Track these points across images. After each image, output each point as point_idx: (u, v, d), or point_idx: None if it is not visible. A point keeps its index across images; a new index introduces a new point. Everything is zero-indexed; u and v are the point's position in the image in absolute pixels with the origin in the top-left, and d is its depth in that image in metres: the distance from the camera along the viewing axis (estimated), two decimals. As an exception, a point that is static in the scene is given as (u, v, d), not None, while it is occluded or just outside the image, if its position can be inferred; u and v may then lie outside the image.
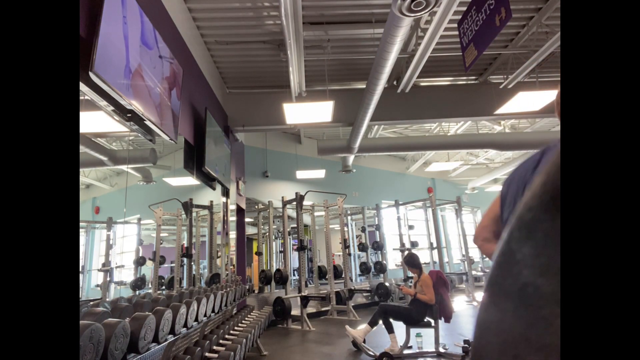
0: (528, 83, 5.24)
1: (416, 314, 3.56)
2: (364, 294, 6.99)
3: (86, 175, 2.92)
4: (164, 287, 3.82)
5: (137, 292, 3.34)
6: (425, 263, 6.46)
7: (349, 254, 7.20)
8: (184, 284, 3.79)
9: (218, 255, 4.64)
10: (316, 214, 7.44)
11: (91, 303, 1.95)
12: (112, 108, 2.08)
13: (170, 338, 1.79)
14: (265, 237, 7.42)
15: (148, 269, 3.65)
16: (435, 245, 6.92)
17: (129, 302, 1.77)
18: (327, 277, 6.37)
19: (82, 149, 2.29)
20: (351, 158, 7.41)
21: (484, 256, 0.84)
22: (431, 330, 3.59)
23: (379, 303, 4.67)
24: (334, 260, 7.60)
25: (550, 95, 4.83)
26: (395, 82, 5.43)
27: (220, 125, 4.61)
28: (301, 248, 5.64)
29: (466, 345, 3.37)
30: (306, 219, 7.72)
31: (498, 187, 12.49)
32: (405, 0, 2.60)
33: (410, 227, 7.98)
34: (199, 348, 2.19)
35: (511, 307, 0.24)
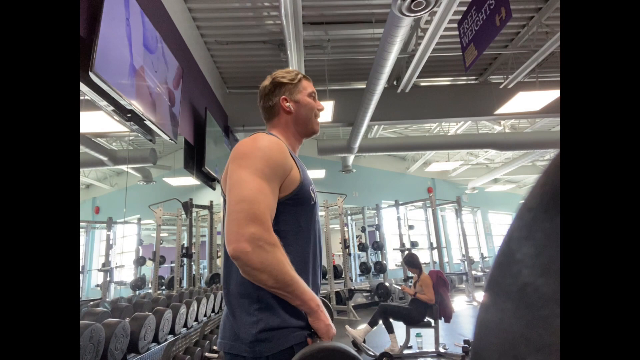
0: (528, 83, 5.24)
1: (416, 314, 3.56)
2: (364, 294, 6.99)
3: (86, 175, 2.92)
4: (164, 287, 3.82)
5: (137, 292, 3.34)
6: (425, 263, 6.47)
7: (349, 254, 7.19)
8: (184, 284, 3.79)
9: (218, 255, 4.63)
10: (316, 214, 7.42)
11: (91, 303, 1.95)
12: (112, 108, 2.08)
13: (170, 338, 1.79)
14: (265, 237, 7.40)
15: (148, 269, 3.65)
16: (435, 245, 6.92)
17: (129, 302, 1.77)
18: (327, 277, 6.38)
19: (82, 149, 2.29)
20: (351, 158, 7.41)
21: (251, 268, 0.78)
22: (431, 330, 3.59)
23: (379, 303, 4.66)
24: (334, 260, 7.60)
25: (550, 95, 4.84)
26: (395, 82, 5.43)
27: (220, 125, 4.61)
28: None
29: (466, 345, 3.37)
30: (306, 219, 7.70)
31: (498, 187, 12.51)
32: (405, 0, 2.60)
33: (410, 227, 7.98)
34: (199, 348, 2.19)
35: (511, 307, 0.24)
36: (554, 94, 4.77)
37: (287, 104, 1.04)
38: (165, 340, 1.72)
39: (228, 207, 0.81)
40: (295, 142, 1.07)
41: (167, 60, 2.76)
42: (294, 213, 0.91)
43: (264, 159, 0.85)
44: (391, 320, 3.61)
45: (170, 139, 2.79)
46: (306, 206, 0.94)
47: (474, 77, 5.69)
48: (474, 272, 7.94)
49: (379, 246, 7.33)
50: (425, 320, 3.59)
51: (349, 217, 8.61)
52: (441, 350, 3.57)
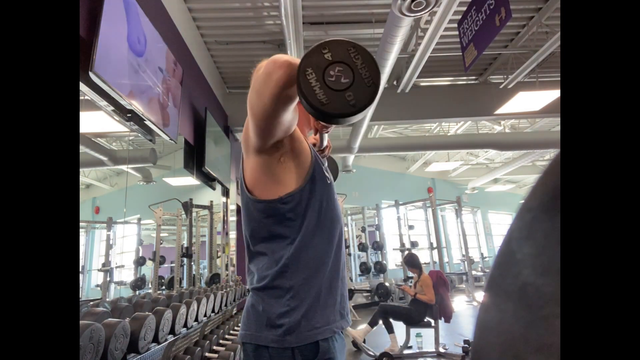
0: (528, 83, 5.23)
1: (416, 314, 3.56)
2: (364, 294, 6.99)
3: (86, 175, 2.92)
4: (164, 287, 3.82)
5: (137, 292, 3.34)
6: (425, 263, 6.46)
7: (349, 254, 7.20)
8: (184, 284, 3.79)
9: (218, 255, 4.63)
10: (316, 214, 7.42)
11: (91, 303, 1.95)
12: (112, 108, 2.08)
13: (170, 338, 1.79)
14: (265, 237, 7.40)
15: (148, 269, 3.64)
16: (435, 245, 6.92)
17: (129, 302, 1.77)
18: (327, 277, 6.37)
19: (82, 149, 2.29)
20: (351, 158, 7.41)
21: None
22: (431, 330, 3.59)
23: (379, 303, 4.66)
24: (334, 260, 7.58)
25: (550, 95, 4.83)
26: (395, 82, 5.42)
27: (220, 125, 4.61)
28: (301, 248, 5.62)
29: (466, 345, 3.37)
30: (306, 219, 7.70)
31: (498, 187, 12.51)
32: (405, 0, 2.60)
33: (410, 227, 7.98)
34: (199, 348, 2.18)
35: (511, 307, 0.24)
36: (554, 94, 4.76)
37: None
38: (165, 340, 1.72)
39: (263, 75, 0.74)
40: (304, 130, 1.07)
41: (164, 56, 2.76)
42: (313, 192, 0.89)
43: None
44: (391, 320, 3.61)
45: (171, 139, 2.79)
46: (323, 185, 0.93)
47: (474, 77, 5.69)
48: (474, 272, 7.94)
49: (379, 246, 7.33)
50: (425, 320, 3.59)
51: (349, 217, 8.61)
52: (441, 350, 3.57)
